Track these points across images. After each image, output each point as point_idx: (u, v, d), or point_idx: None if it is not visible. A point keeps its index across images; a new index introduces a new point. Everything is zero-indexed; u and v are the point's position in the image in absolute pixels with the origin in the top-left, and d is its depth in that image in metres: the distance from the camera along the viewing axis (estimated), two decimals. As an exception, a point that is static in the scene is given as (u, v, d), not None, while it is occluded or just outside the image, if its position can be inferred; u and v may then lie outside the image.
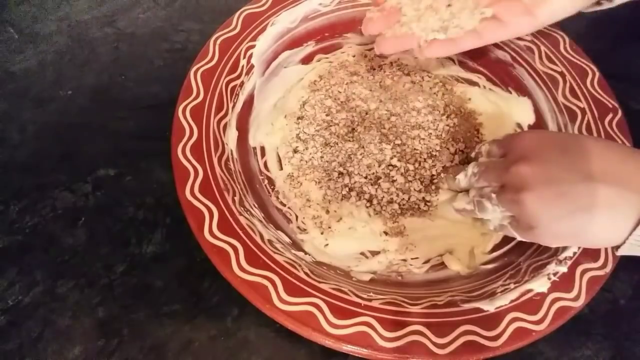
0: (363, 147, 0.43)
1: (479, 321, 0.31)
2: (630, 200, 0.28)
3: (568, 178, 0.30)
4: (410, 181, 0.41)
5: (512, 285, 0.34)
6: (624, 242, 0.29)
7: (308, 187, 0.42)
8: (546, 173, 0.30)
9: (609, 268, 0.34)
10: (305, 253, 0.38)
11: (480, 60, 0.50)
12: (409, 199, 0.41)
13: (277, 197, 0.41)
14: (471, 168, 0.37)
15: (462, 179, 0.38)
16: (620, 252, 0.31)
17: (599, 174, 0.29)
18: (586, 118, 0.42)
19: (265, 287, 0.31)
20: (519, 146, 0.33)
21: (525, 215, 0.31)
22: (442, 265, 0.39)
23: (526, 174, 0.31)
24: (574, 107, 0.43)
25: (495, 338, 0.31)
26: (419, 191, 0.41)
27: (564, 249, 0.35)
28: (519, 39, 0.48)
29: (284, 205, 0.41)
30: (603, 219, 0.29)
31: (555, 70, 0.45)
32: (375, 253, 0.39)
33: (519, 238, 0.34)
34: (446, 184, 0.41)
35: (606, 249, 0.35)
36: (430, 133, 0.44)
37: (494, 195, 0.33)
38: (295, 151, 0.44)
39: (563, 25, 0.48)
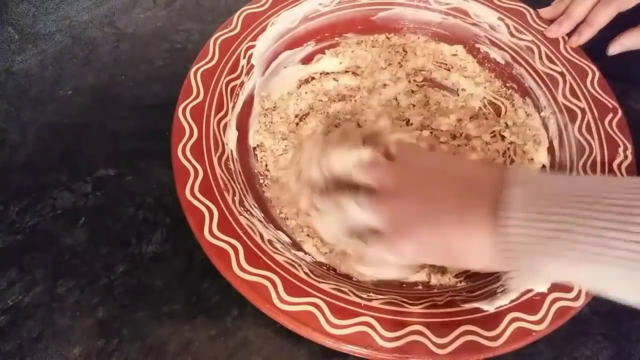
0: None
1: (479, 321, 0.31)
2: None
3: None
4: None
5: (512, 285, 0.34)
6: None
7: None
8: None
9: (609, 268, 0.34)
10: (305, 253, 0.38)
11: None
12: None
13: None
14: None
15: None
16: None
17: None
18: (586, 118, 0.42)
19: (265, 287, 0.31)
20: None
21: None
22: (443, 267, 0.39)
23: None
24: (574, 107, 0.43)
25: (495, 338, 0.31)
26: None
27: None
28: (519, 39, 0.48)
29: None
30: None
31: (555, 70, 0.45)
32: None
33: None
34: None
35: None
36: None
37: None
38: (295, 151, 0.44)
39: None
